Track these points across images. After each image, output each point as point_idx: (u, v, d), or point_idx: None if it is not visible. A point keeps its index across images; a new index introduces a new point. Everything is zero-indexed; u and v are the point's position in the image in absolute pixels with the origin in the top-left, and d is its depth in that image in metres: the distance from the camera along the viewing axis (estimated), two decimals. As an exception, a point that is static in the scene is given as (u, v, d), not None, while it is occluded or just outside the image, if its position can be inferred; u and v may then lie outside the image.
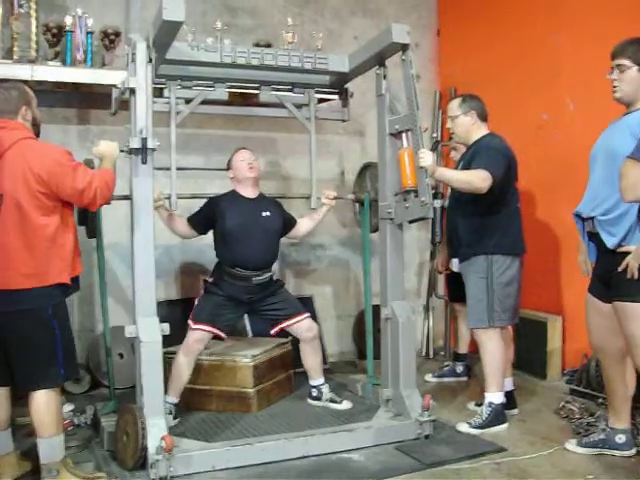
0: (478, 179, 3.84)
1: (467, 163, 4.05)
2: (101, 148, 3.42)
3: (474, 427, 4.00)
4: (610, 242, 3.18)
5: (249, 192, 4.29)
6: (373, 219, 4.49)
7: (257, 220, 4.21)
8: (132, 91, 3.45)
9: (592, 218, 3.26)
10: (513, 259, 4.08)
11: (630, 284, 3.01)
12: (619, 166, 2.61)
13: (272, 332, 4.35)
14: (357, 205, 4.75)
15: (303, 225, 4.53)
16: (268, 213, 4.29)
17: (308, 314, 4.35)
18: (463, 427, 4.02)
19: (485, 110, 4.23)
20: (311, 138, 4.47)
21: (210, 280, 4.25)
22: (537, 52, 5.25)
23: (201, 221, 4.26)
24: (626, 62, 3.14)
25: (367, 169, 4.66)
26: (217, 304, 4.14)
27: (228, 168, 4.34)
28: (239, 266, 4.14)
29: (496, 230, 4.04)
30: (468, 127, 4.18)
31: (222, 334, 4.14)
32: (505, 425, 4.06)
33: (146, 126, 3.37)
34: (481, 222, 4.06)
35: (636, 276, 2.96)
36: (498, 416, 4.04)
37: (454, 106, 4.24)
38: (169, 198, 4.10)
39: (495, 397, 4.06)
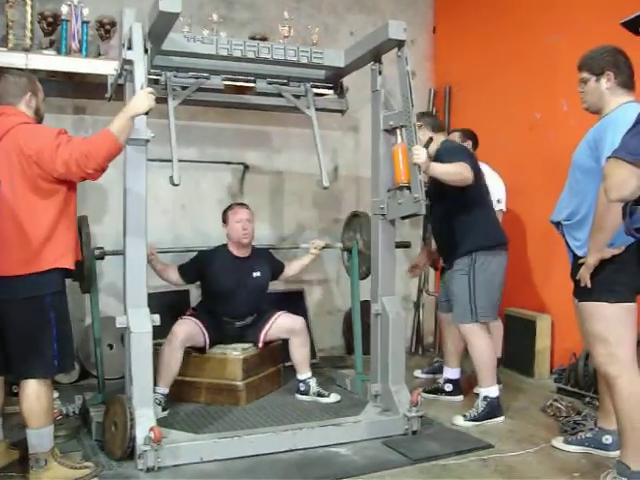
0: (464, 169, 3.92)
1: None
2: (132, 98, 3.22)
3: (469, 420, 4.03)
4: (574, 246, 3.27)
5: (241, 252, 4.41)
6: (362, 267, 4.55)
7: (246, 281, 4.37)
8: (128, 73, 3.46)
9: (559, 223, 3.35)
10: (496, 252, 4.13)
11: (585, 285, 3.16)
12: (603, 168, 2.66)
13: (259, 345, 4.43)
14: (345, 253, 4.81)
15: (290, 270, 4.69)
16: (258, 274, 4.42)
17: (282, 311, 4.44)
18: (458, 420, 4.05)
19: (438, 123, 4.44)
20: (313, 124, 4.39)
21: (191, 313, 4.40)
22: (533, 52, 5.27)
23: (191, 272, 4.40)
24: (585, 75, 3.25)
25: (355, 218, 4.71)
26: (208, 318, 4.29)
27: (223, 221, 4.42)
28: (225, 316, 4.34)
29: (476, 226, 4.11)
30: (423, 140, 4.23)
31: (206, 336, 4.23)
32: (501, 418, 4.09)
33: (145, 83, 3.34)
34: (462, 221, 4.12)
35: (589, 285, 3.11)
36: (494, 409, 4.07)
37: None
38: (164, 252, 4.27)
39: (490, 391, 4.09)
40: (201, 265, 4.38)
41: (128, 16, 3.56)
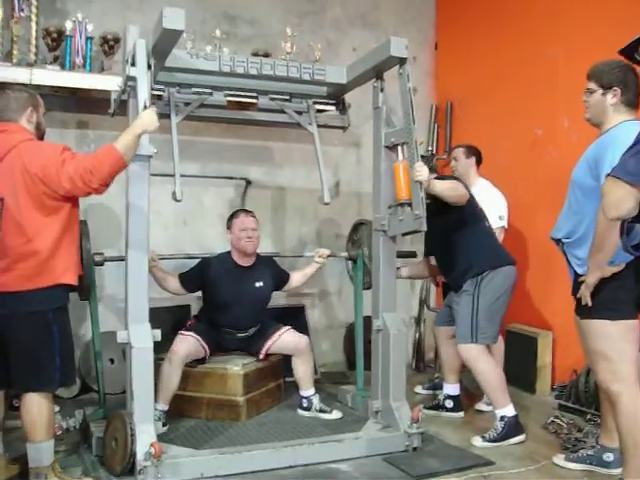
0: (458, 185, 4.00)
1: None
2: (139, 115, 3.24)
3: (488, 440, 3.99)
4: (575, 264, 3.28)
5: (244, 260, 4.34)
6: (366, 277, 4.53)
7: (249, 292, 4.30)
8: (132, 80, 3.46)
9: (560, 240, 3.36)
10: (499, 272, 4.11)
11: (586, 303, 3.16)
12: (601, 186, 2.67)
13: (260, 357, 4.40)
14: (349, 262, 4.78)
15: (295, 280, 4.63)
16: (261, 284, 4.35)
17: (288, 327, 4.39)
18: (477, 441, 4.01)
19: (434, 166, 4.73)
20: (315, 142, 4.41)
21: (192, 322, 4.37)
22: (533, 68, 5.29)
23: (192, 281, 4.31)
24: (592, 85, 3.25)
25: (360, 227, 4.69)
26: (209, 329, 4.24)
27: (227, 227, 4.35)
28: (226, 327, 4.29)
29: (479, 248, 4.13)
30: None
31: (207, 350, 4.21)
32: (522, 436, 4.04)
33: (148, 99, 3.36)
34: (464, 243, 4.13)
35: (589, 303, 3.11)
36: (513, 428, 4.03)
37: None
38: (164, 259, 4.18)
39: (506, 411, 4.05)
40: (202, 274, 4.28)
41: (132, 32, 3.59)
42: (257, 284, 4.34)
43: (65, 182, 3.01)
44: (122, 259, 3.64)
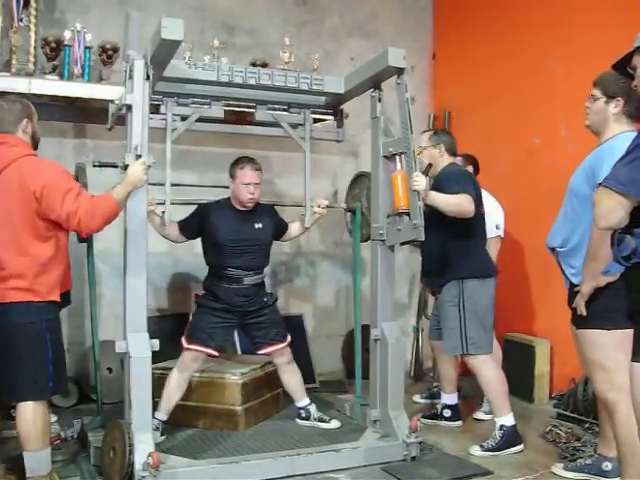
0: (466, 202, 3.90)
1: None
2: (129, 171, 3.29)
3: (487, 450, 3.98)
4: (569, 274, 3.30)
5: (244, 207, 4.23)
6: (364, 229, 4.49)
7: (249, 233, 4.18)
8: (129, 107, 3.46)
9: (554, 250, 3.38)
10: (483, 280, 4.13)
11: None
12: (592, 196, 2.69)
13: (257, 351, 4.35)
14: (349, 214, 4.74)
15: (294, 229, 4.54)
16: (260, 225, 4.24)
17: (287, 343, 4.32)
18: (475, 451, 4.00)
19: (454, 146, 4.36)
20: (306, 158, 4.47)
21: (201, 293, 4.24)
22: (531, 77, 5.32)
23: (192, 227, 4.21)
24: (597, 93, 3.26)
25: (360, 178, 4.64)
26: (210, 321, 4.11)
27: (230, 175, 4.20)
28: (230, 267, 4.13)
29: (468, 254, 4.12)
30: (435, 158, 4.26)
31: (215, 353, 4.14)
32: (520, 446, 4.03)
33: (141, 143, 3.38)
34: (455, 247, 4.12)
35: (584, 313, 3.14)
36: (512, 437, 4.03)
37: (424, 138, 4.36)
38: (163, 203, 4.05)
39: (505, 420, 4.05)
40: (201, 217, 4.18)
41: (134, 21, 3.64)
42: (257, 225, 4.21)
43: (62, 212, 3.05)
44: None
